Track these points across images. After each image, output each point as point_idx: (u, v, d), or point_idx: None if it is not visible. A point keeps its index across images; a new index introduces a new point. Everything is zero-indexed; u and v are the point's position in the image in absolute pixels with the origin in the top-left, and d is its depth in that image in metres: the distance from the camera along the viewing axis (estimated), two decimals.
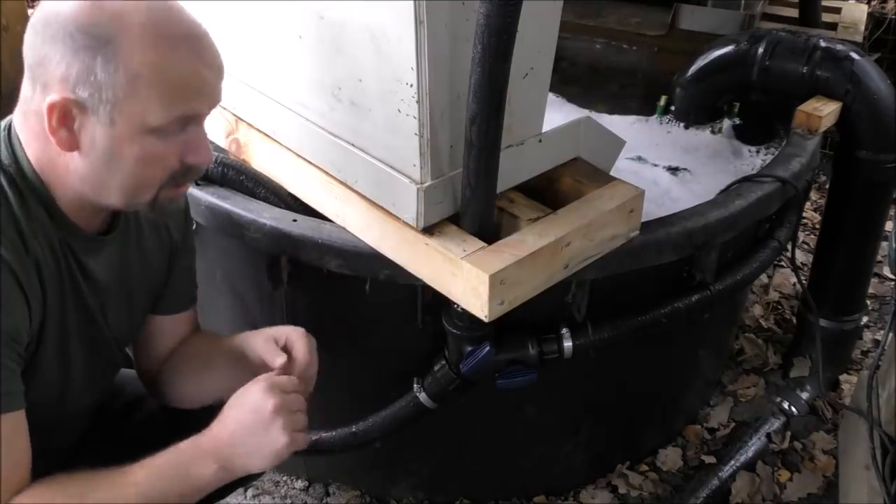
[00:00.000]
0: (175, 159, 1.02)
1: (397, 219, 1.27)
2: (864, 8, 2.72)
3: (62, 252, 1.04)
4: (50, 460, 1.06)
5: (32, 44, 0.96)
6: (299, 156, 1.42)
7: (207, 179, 1.53)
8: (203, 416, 1.08)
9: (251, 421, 1.04)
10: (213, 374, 1.26)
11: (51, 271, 1.02)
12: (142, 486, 1.00)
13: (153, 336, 1.28)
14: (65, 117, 0.95)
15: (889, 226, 2.23)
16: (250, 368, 1.19)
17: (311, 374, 1.19)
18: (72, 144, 0.97)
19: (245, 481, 1.52)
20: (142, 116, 0.96)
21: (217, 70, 1.02)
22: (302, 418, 1.08)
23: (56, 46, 0.94)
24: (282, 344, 1.19)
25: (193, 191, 1.51)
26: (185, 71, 0.97)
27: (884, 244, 2.18)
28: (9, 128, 1.02)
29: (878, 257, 2.19)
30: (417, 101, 1.12)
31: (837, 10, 2.53)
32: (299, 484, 1.91)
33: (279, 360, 1.16)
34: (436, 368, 1.51)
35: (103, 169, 0.99)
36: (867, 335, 2.38)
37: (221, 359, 1.25)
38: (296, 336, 1.19)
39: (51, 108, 0.94)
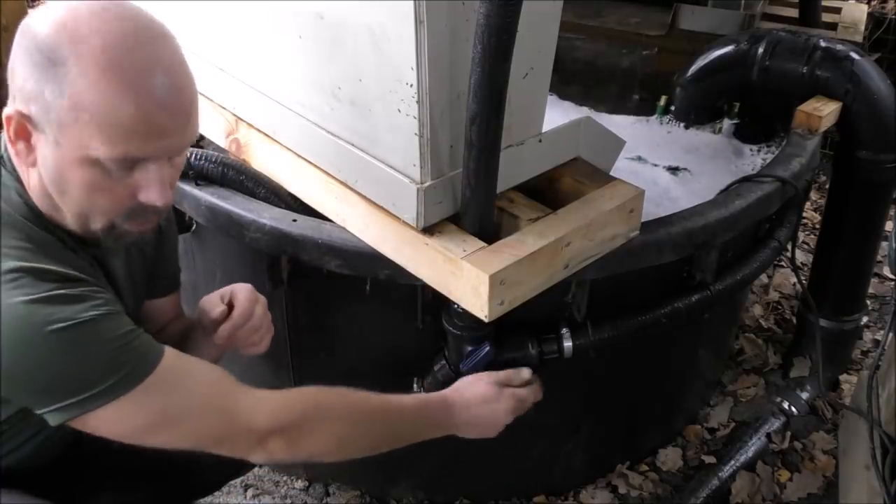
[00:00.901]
0: (126, 195, 0.98)
1: (397, 219, 1.27)
2: (864, 8, 2.71)
3: (93, 260, 1.07)
4: (69, 452, 1.10)
5: (12, 50, 0.95)
6: (299, 156, 1.42)
7: (207, 179, 1.53)
8: None
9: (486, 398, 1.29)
10: (196, 349, 1.28)
11: (100, 281, 1.04)
12: (408, 414, 1.22)
13: (139, 320, 1.29)
14: (20, 130, 0.95)
15: (889, 226, 2.23)
16: (204, 332, 1.26)
17: (253, 326, 1.25)
18: (29, 159, 0.96)
19: (240, 472, 1.53)
20: (84, 147, 0.92)
21: (176, 111, 0.96)
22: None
23: (22, 58, 0.93)
24: (227, 299, 1.26)
25: (193, 191, 1.51)
26: (130, 112, 0.91)
27: (884, 244, 2.18)
28: (5, 148, 1.01)
29: (878, 257, 2.19)
30: (417, 101, 1.12)
31: (837, 10, 2.53)
32: (299, 484, 1.91)
33: (217, 310, 1.24)
34: (436, 368, 1.51)
35: (54, 189, 0.97)
36: (867, 335, 2.38)
37: (193, 339, 1.29)
38: (239, 289, 1.27)
39: (7, 119, 0.95)
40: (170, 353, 1.00)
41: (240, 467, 1.47)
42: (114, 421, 0.95)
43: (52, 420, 0.93)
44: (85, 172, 0.94)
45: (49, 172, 0.96)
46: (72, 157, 0.94)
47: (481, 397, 1.29)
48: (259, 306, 1.26)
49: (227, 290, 1.28)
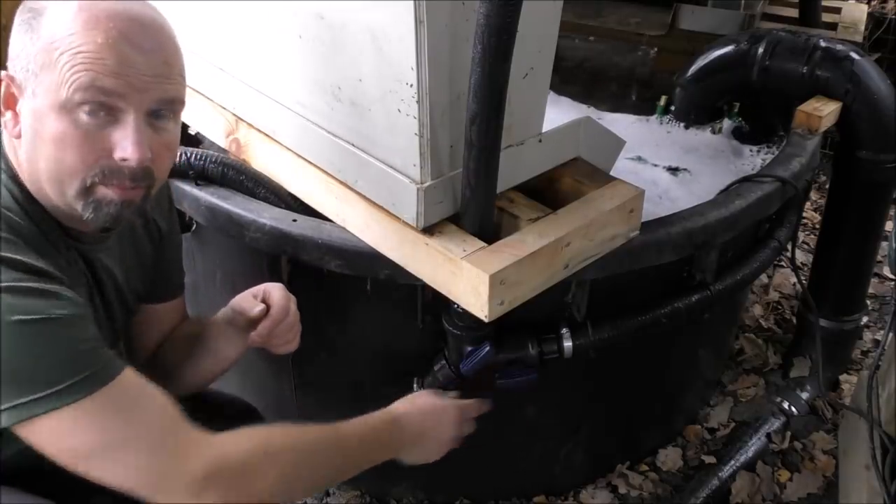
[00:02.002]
0: (97, 150, 0.95)
1: (397, 219, 1.27)
2: (864, 8, 2.72)
3: (78, 257, 1.05)
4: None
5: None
6: (299, 156, 1.42)
7: (207, 179, 1.53)
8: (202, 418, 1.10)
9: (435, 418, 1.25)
10: (207, 352, 1.29)
11: (77, 281, 1.02)
12: (353, 440, 1.11)
13: (144, 325, 1.29)
14: (9, 98, 0.95)
15: (889, 226, 2.23)
16: (237, 331, 1.26)
17: (289, 323, 1.25)
18: (16, 129, 0.96)
19: None
20: (55, 90, 0.91)
21: (149, 54, 0.94)
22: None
23: (15, 25, 0.95)
24: (260, 297, 1.25)
25: (193, 191, 1.51)
26: (98, 42, 0.91)
27: (884, 244, 2.18)
28: None
29: (878, 257, 2.19)
30: (417, 101, 1.12)
31: (837, 10, 2.53)
32: None
33: (257, 308, 1.22)
34: (436, 368, 1.51)
35: (32, 152, 0.96)
36: (867, 335, 2.38)
37: (212, 337, 1.28)
38: (272, 288, 1.26)
39: None
40: (129, 373, 0.94)
41: None
42: (56, 434, 0.89)
43: (2, 421, 0.88)
44: (57, 123, 0.93)
45: (28, 134, 0.95)
46: (45, 107, 0.93)
47: (430, 406, 1.26)
48: (292, 304, 1.26)
49: (258, 289, 1.27)
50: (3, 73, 0.96)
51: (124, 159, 0.95)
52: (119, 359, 0.95)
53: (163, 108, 0.99)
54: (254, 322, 1.23)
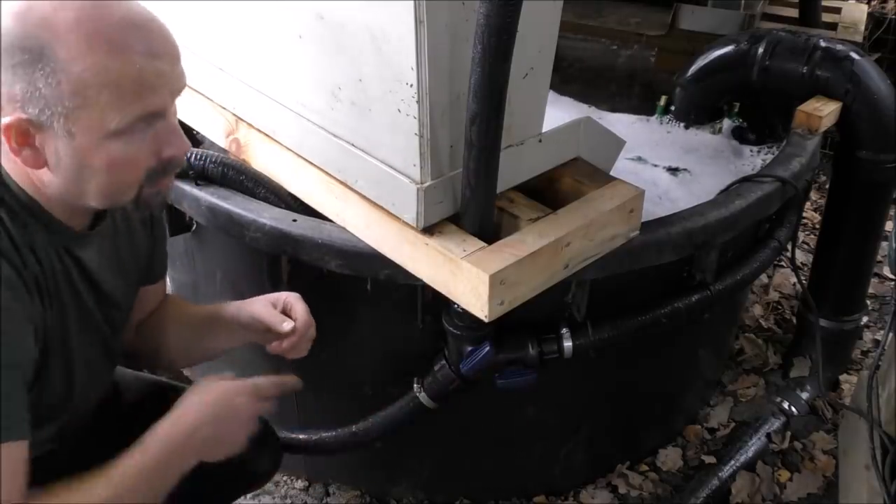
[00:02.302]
0: (149, 157, 0.98)
1: (397, 219, 1.27)
2: (864, 8, 2.72)
3: (58, 257, 1.03)
4: (57, 459, 1.08)
5: None
6: (299, 156, 1.42)
7: (207, 179, 1.53)
8: None
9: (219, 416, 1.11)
10: (201, 339, 1.31)
11: (49, 282, 1.01)
12: (131, 474, 1.02)
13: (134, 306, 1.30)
14: (23, 137, 0.92)
15: (889, 226, 2.23)
16: (244, 332, 1.27)
17: (310, 336, 1.27)
18: (38, 162, 0.94)
19: (251, 487, 1.52)
20: (99, 123, 0.91)
21: (168, 56, 0.96)
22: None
23: (8, 72, 0.89)
24: (280, 308, 1.26)
25: (193, 191, 1.51)
26: (131, 68, 0.91)
27: (884, 244, 2.18)
28: None
29: (878, 257, 2.19)
30: (417, 101, 1.12)
31: (837, 10, 2.53)
32: (299, 484, 1.91)
33: (287, 325, 1.23)
34: (436, 368, 1.51)
35: (76, 180, 0.96)
36: (867, 335, 2.38)
37: (211, 325, 1.30)
38: (293, 300, 1.27)
39: (7, 130, 0.91)
40: (19, 446, 0.93)
41: (251, 483, 1.48)
42: None
43: None
44: (109, 150, 0.94)
45: (67, 168, 0.95)
46: (90, 141, 0.93)
47: (219, 405, 1.11)
48: (310, 316, 1.27)
49: (277, 298, 1.28)
50: (11, 119, 0.90)
51: (175, 156, 1.00)
52: (25, 425, 0.94)
53: (182, 90, 1.02)
54: (283, 336, 1.24)
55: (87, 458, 1.04)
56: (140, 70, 0.92)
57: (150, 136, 0.97)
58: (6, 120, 0.90)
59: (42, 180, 0.98)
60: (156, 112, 0.96)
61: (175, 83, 0.98)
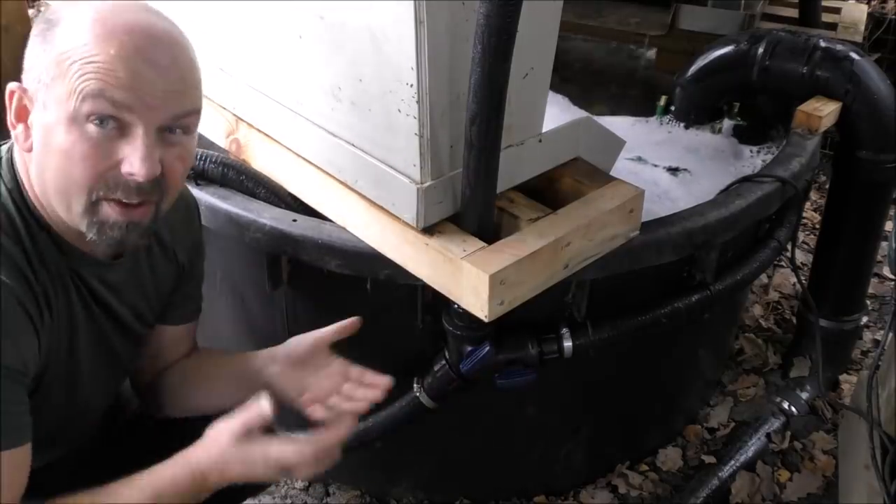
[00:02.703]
0: (103, 161, 0.93)
1: (397, 219, 1.27)
2: (864, 8, 2.71)
3: (71, 278, 1.03)
4: (61, 468, 1.08)
5: None
6: (299, 156, 1.42)
7: (207, 179, 1.53)
8: (200, 426, 1.08)
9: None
10: (217, 390, 1.24)
11: (60, 298, 1.01)
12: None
13: (152, 345, 1.26)
14: (20, 110, 0.94)
15: (889, 226, 2.23)
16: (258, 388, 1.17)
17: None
18: (27, 142, 0.95)
19: (255, 492, 1.52)
20: (65, 101, 0.90)
21: (162, 69, 0.93)
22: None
23: (32, 37, 0.94)
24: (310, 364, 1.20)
25: (193, 191, 1.51)
26: (110, 54, 0.90)
27: (884, 244, 2.18)
28: (10, 150, 1.01)
29: (878, 257, 2.19)
30: (417, 101, 1.12)
31: (837, 10, 2.53)
32: (299, 484, 1.91)
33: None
34: (436, 368, 1.51)
35: (41, 165, 0.95)
36: (867, 335, 2.38)
37: (226, 376, 1.24)
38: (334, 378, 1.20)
39: (10, 96, 0.94)
40: (22, 452, 0.93)
41: (254, 488, 1.45)
42: None
43: None
44: (66, 135, 0.91)
45: (38, 147, 0.94)
46: (56, 118, 0.91)
47: (237, 457, 1.02)
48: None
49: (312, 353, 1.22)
50: (16, 84, 0.95)
51: (131, 174, 0.94)
52: (27, 431, 0.93)
53: (176, 123, 0.97)
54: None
55: (92, 466, 1.04)
56: (119, 62, 0.90)
57: (113, 144, 0.93)
58: (12, 86, 0.93)
59: (29, 174, 0.97)
60: (118, 115, 0.92)
61: (157, 100, 0.93)
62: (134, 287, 1.14)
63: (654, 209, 1.66)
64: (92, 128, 0.92)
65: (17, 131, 0.96)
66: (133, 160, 0.93)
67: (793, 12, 2.46)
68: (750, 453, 1.90)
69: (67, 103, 0.91)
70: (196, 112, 1.01)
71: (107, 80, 0.90)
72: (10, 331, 0.91)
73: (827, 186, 2.33)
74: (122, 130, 0.93)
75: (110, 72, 0.90)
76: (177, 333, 1.28)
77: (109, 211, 0.95)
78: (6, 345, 0.91)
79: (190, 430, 1.29)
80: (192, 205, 1.26)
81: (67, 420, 1.11)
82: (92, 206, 0.95)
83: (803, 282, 2.00)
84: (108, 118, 0.92)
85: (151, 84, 0.92)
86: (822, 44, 1.82)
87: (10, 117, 0.95)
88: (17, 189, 0.98)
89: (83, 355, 1.08)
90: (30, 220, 0.98)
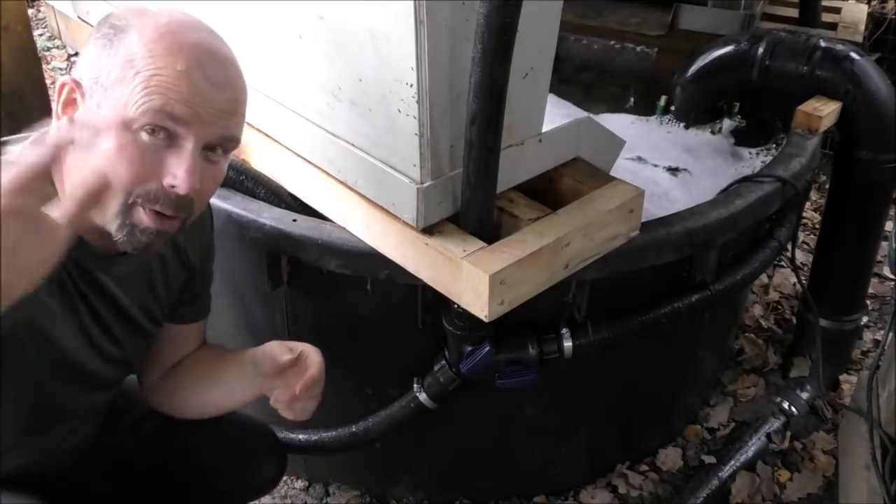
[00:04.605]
0: (149, 171, 0.94)
1: (397, 219, 1.27)
2: (864, 8, 2.71)
3: (72, 266, 1.03)
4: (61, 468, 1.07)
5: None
6: (299, 156, 1.42)
7: None
8: (205, 430, 1.08)
9: None
10: (220, 388, 1.27)
11: (53, 294, 1.01)
12: None
13: (159, 343, 1.27)
14: (69, 101, 0.95)
15: (889, 226, 2.23)
16: (257, 375, 1.20)
17: (315, 394, 1.20)
18: (69, 134, 0.95)
19: (258, 495, 1.51)
20: (123, 106, 0.92)
21: (222, 89, 0.96)
22: None
23: (92, 39, 0.96)
24: (297, 352, 1.20)
25: None
26: (179, 74, 0.92)
27: (884, 244, 2.18)
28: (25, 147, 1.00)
29: (878, 257, 2.19)
30: (417, 101, 1.12)
31: (837, 10, 2.53)
32: (299, 484, 1.91)
33: (287, 356, 1.17)
34: (436, 368, 1.51)
35: (79, 161, 0.94)
36: (867, 335, 2.38)
37: (229, 373, 1.26)
38: (311, 350, 1.21)
39: (61, 88, 0.95)
40: None
41: (257, 491, 1.47)
42: None
43: None
44: (116, 138, 0.92)
45: (80, 146, 0.94)
46: (107, 120, 0.92)
47: None
48: (322, 371, 1.21)
49: (296, 345, 1.22)
50: (69, 78, 0.95)
51: (173, 186, 0.95)
52: None
53: (220, 143, 0.99)
54: (279, 370, 1.19)
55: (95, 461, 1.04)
56: (183, 77, 0.92)
57: (160, 154, 0.94)
58: (64, 77, 0.95)
59: (61, 163, 0.96)
60: (172, 128, 0.93)
61: (211, 119, 0.95)
62: (142, 282, 1.14)
63: (653, 209, 1.66)
64: (144, 136, 0.93)
65: (60, 122, 0.96)
66: (178, 172, 0.95)
67: (793, 12, 2.46)
68: (750, 453, 1.90)
69: (125, 110, 0.92)
70: (238, 140, 1.03)
71: (169, 95, 0.92)
72: None
73: (827, 186, 2.33)
74: (171, 142, 0.95)
75: (173, 87, 0.92)
76: (185, 332, 1.29)
77: (143, 216, 0.96)
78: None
79: (193, 431, 1.30)
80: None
81: (48, 398, 1.10)
82: (126, 209, 0.95)
83: (803, 282, 2.00)
84: (162, 129, 0.94)
85: (210, 101, 0.95)
86: (823, 44, 1.82)
87: (57, 108, 0.96)
88: None
89: (80, 345, 1.08)
90: None
